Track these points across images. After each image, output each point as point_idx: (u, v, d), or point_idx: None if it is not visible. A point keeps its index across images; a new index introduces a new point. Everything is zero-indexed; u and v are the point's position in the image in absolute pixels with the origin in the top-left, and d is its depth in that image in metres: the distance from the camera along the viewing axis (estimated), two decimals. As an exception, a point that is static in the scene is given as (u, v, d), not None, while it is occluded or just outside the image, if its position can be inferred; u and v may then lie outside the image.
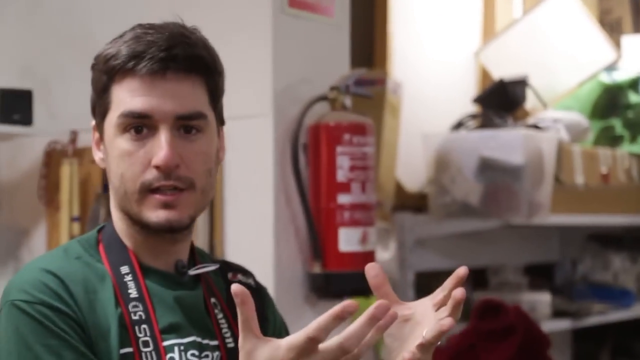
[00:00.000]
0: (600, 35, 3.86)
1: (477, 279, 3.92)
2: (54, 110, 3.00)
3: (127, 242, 1.57)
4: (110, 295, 1.52)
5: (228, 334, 1.60)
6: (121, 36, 1.53)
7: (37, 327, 1.45)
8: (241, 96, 2.63)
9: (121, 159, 1.51)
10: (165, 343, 1.52)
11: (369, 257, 2.71)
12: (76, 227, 2.85)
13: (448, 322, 1.34)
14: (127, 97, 1.50)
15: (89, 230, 2.74)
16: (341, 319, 1.24)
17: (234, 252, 2.69)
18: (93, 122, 1.56)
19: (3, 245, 3.11)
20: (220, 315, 1.62)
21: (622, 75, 3.95)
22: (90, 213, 2.81)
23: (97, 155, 1.58)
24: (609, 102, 3.91)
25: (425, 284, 3.82)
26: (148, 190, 1.50)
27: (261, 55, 2.65)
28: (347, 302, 1.24)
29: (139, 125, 1.50)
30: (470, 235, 3.63)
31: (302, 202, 2.67)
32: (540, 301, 3.57)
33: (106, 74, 1.51)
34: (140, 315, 1.52)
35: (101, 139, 1.55)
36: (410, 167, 3.62)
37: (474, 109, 3.87)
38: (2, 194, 3.13)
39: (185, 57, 1.50)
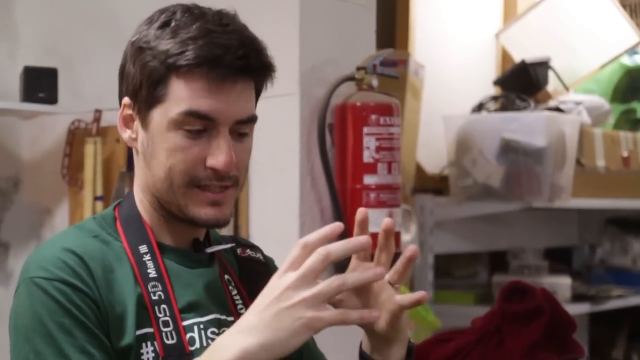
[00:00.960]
0: (623, 17, 3.84)
1: (497, 261, 3.92)
2: (77, 89, 2.99)
3: (148, 220, 1.58)
4: (128, 275, 1.52)
5: (243, 310, 1.60)
6: (173, 22, 1.50)
7: (53, 304, 1.44)
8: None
9: (173, 152, 1.50)
10: (185, 323, 1.52)
11: (395, 238, 2.70)
12: (99, 205, 2.84)
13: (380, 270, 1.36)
14: (191, 95, 1.48)
15: (113, 209, 2.77)
16: (329, 239, 1.32)
17: (259, 233, 2.67)
18: (126, 99, 1.54)
19: (26, 223, 3.10)
20: (234, 292, 1.63)
21: (643, 58, 3.94)
22: (115, 192, 2.80)
23: (126, 134, 1.56)
24: (630, 85, 3.89)
25: (445, 265, 3.82)
26: (196, 185, 1.51)
27: (288, 35, 2.63)
28: (335, 224, 1.34)
29: (199, 125, 1.49)
30: (489, 218, 3.62)
31: (328, 182, 2.65)
32: (560, 284, 3.56)
33: (166, 66, 1.48)
34: (159, 295, 1.51)
35: (142, 123, 1.53)
36: (431, 149, 3.61)
37: (494, 91, 3.86)
38: (25, 173, 3.13)
39: (259, 66, 1.51)
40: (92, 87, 2.97)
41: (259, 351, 1.32)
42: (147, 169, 1.54)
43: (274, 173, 2.67)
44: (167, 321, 1.51)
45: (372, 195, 2.67)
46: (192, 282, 1.57)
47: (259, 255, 1.73)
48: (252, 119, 1.54)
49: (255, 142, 2.65)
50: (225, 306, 1.59)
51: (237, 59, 1.47)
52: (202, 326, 1.54)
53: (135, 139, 1.55)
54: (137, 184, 1.58)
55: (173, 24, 1.50)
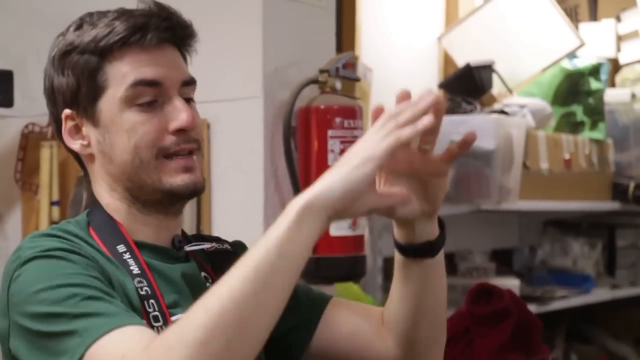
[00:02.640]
0: (564, 21, 3.90)
1: (446, 264, 3.94)
2: (30, 92, 2.92)
3: (120, 219, 1.57)
4: (121, 270, 1.51)
5: None
6: (85, 23, 1.55)
7: (58, 262, 1.42)
8: (231, 79, 2.60)
9: (132, 130, 1.52)
10: (173, 318, 1.51)
11: (359, 241, 2.70)
12: (56, 210, 2.79)
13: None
14: (132, 68, 1.52)
15: (70, 213, 2.72)
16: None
17: (222, 236, 2.60)
18: (66, 112, 1.55)
19: (-24, 230, 3.02)
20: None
21: (583, 62, 4.00)
22: (72, 196, 2.75)
23: (77, 144, 1.57)
24: (570, 88, 3.96)
25: (391, 268, 3.83)
26: (164, 155, 1.53)
27: (252, 38, 2.61)
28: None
29: (152, 97, 1.52)
30: (436, 220, 3.64)
31: (293, 185, 2.64)
32: (509, 285, 3.57)
33: (98, 54, 1.51)
34: (146, 290, 1.51)
35: (92, 122, 1.54)
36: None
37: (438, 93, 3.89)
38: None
39: (184, 27, 1.57)
40: (46, 90, 2.90)
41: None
42: (110, 163, 1.54)
43: (238, 176, 2.64)
44: (157, 316, 1.51)
45: (337, 198, 2.66)
46: (174, 279, 1.57)
47: (225, 245, 1.74)
48: (193, 81, 1.59)
49: (219, 145, 2.66)
50: None
51: (163, 21, 1.53)
52: None
53: (88, 144, 1.56)
54: (102, 187, 1.58)
55: (88, 19, 1.56)
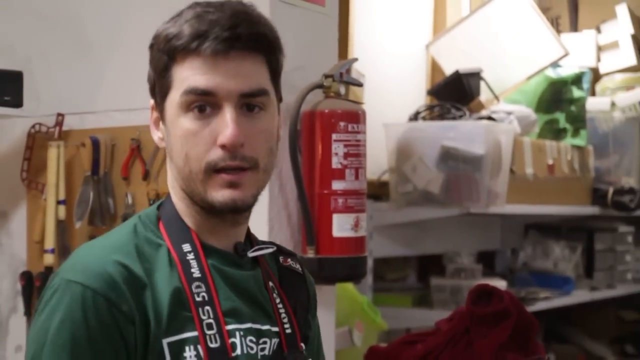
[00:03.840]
0: (549, 31, 4.00)
1: (425, 265, 4.03)
2: (37, 92, 2.96)
3: (188, 221, 1.55)
4: (172, 276, 1.50)
5: (286, 319, 1.60)
6: (180, 14, 1.52)
7: (84, 316, 1.43)
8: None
9: (185, 138, 1.49)
10: (228, 327, 1.50)
11: (361, 242, 2.77)
12: (62, 209, 2.82)
13: None
14: (189, 75, 1.49)
15: (77, 212, 2.77)
16: None
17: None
18: (152, 102, 1.57)
19: (-19, 228, 3.06)
20: (278, 300, 1.61)
21: (566, 70, 4.10)
22: (79, 195, 2.79)
23: (156, 135, 1.58)
24: (554, 96, 4.06)
25: (378, 269, 3.91)
26: (213, 170, 1.48)
27: None
28: None
29: (203, 103, 1.49)
30: (425, 223, 3.72)
31: (297, 188, 2.70)
32: (497, 286, 3.68)
33: (167, 53, 1.51)
34: (203, 297, 1.49)
35: (161, 119, 1.55)
36: (369, 156, 3.68)
37: (426, 100, 3.97)
38: (-20, 176, 3.08)
39: (248, 35, 1.49)
40: (53, 90, 2.95)
41: None
42: (171, 163, 1.55)
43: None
44: (211, 324, 1.48)
45: (340, 200, 2.73)
46: (236, 286, 1.55)
47: (297, 265, 1.73)
48: (261, 93, 1.52)
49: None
50: (270, 315, 1.59)
51: (224, 31, 1.47)
52: (242, 333, 1.52)
53: (163, 138, 1.57)
54: (173, 182, 1.57)
55: (183, 12, 1.53)
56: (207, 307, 1.49)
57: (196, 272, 1.50)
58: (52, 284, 1.48)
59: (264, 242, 1.70)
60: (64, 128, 2.86)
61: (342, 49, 3.68)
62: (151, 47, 1.55)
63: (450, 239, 4.02)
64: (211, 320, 1.48)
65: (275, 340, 1.57)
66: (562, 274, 4.18)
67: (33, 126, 2.89)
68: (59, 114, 2.85)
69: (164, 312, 1.47)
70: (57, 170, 2.83)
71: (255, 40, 1.51)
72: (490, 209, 3.55)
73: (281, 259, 1.69)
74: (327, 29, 2.88)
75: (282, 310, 1.61)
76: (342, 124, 2.73)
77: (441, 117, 3.64)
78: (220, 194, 1.49)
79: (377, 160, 3.68)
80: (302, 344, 1.62)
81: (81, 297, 1.43)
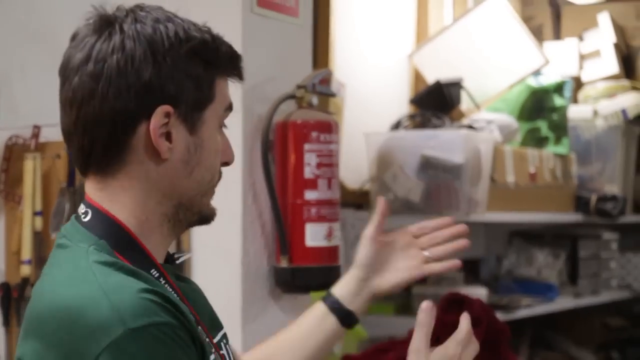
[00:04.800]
0: (529, 40, 4.03)
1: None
2: (14, 105, 2.99)
3: (146, 243, 1.45)
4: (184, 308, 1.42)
5: None
6: (194, 26, 1.49)
7: (172, 352, 1.32)
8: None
9: (217, 153, 1.51)
10: (215, 340, 1.51)
11: (334, 252, 2.79)
12: (39, 221, 2.86)
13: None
14: (226, 91, 1.53)
15: (53, 223, 2.79)
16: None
17: (201, 246, 2.73)
18: (166, 107, 1.44)
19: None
20: None
21: (548, 79, 4.12)
22: (55, 207, 2.82)
23: (163, 144, 1.44)
24: (536, 104, 4.08)
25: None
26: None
27: None
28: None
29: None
30: (407, 231, 3.74)
31: (270, 197, 2.72)
32: (477, 295, 3.69)
33: (217, 68, 1.49)
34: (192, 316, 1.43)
35: (190, 127, 1.46)
36: (351, 166, 3.71)
37: (408, 109, 3.99)
38: (-41, 188, 3.10)
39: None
40: (29, 103, 2.98)
41: None
42: (185, 177, 1.46)
43: (217, 188, 2.71)
44: (207, 341, 1.46)
45: (313, 210, 2.75)
46: (195, 298, 1.53)
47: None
48: None
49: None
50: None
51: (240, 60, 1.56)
52: (224, 341, 1.55)
53: (171, 149, 1.45)
54: (142, 199, 1.45)
55: (192, 27, 1.48)
56: (199, 326, 1.45)
57: (181, 307, 1.40)
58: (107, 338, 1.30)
59: None
60: (41, 140, 2.89)
61: (323, 59, 3.71)
62: (185, 55, 1.45)
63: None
64: (206, 338, 1.46)
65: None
66: (546, 281, 4.20)
67: (10, 138, 2.93)
68: (35, 126, 2.89)
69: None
70: (34, 182, 2.86)
71: None
72: (470, 217, 3.57)
73: (188, 256, 1.79)
74: (300, 39, 2.91)
75: None
76: (314, 134, 2.76)
77: (422, 126, 3.66)
78: (213, 206, 1.56)
79: (359, 169, 3.70)
80: None
81: (153, 336, 1.31)
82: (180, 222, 1.49)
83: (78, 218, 1.48)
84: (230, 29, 2.67)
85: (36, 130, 2.89)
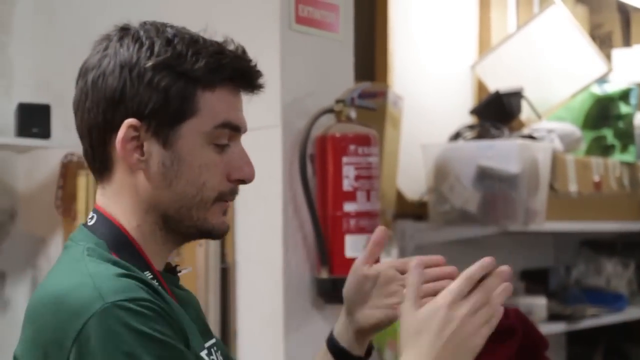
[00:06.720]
0: (592, 48, 4.00)
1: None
2: (69, 123, 3.10)
3: (142, 244, 1.51)
4: (170, 300, 1.46)
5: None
6: (190, 41, 1.48)
7: (151, 322, 1.35)
8: (251, 109, 2.72)
9: (206, 168, 1.48)
10: (206, 345, 1.52)
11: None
12: (89, 235, 2.96)
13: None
14: (224, 109, 1.50)
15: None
16: (487, 268, 1.45)
17: (245, 258, 2.79)
18: (132, 120, 1.46)
19: (22, 253, 3.22)
20: None
21: (613, 87, 4.08)
22: (106, 222, 2.92)
23: (132, 156, 1.48)
24: (601, 113, 4.04)
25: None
26: (220, 200, 1.52)
27: (270, 70, 2.65)
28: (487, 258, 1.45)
29: (227, 139, 1.51)
30: (467, 241, 3.75)
31: (309, 210, 2.76)
32: (536, 305, 3.70)
33: (197, 82, 1.47)
34: None
35: (163, 141, 1.48)
36: (411, 177, 3.74)
37: (470, 120, 4.00)
38: (20, 204, 3.25)
39: (259, 76, 1.54)
40: (84, 121, 3.10)
41: None
42: (165, 188, 1.48)
43: (258, 201, 2.76)
44: (199, 345, 1.48)
45: (352, 221, 2.79)
46: (190, 305, 1.57)
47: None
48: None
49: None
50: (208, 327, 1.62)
51: (257, 72, 1.52)
52: (215, 348, 1.56)
53: (144, 161, 1.48)
54: (131, 207, 1.50)
55: (177, 40, 1.48)
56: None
57: (166, 298, 1.45)
58: (85, 322, 1.35)
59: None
60: (95, 157, 3.00)
61: (382, 71, 3.76)
62: (157, 69, 1.47)
63: (498, 257, 4.01)
64: (197, 342, 1.48)
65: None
66: (615, 290, 4.15)
67: (65, 156, 3.05)
68: (89, 144, 3.00)
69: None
70: (87, 198, 2.97)
71: (263, 80, 1.55)
72: (528, 227, 3.56)
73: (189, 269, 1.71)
74: (341, 55, 2.94)
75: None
76: (352, 147, 2.79)
77: (481, 136, 3.67)
78: (220, 221, 1.52)
79: (418, 180, 3.73)
80: None
81: (132, 310, 1.34)
82: (174, 233, 1.52)
83: (85, 222, 1.55)
84: (268, 46, 2.75)
85: (89, 148, 2.99)
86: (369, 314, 1.68)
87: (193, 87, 1.47)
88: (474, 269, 1.43)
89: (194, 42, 1.48)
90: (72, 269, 1.43)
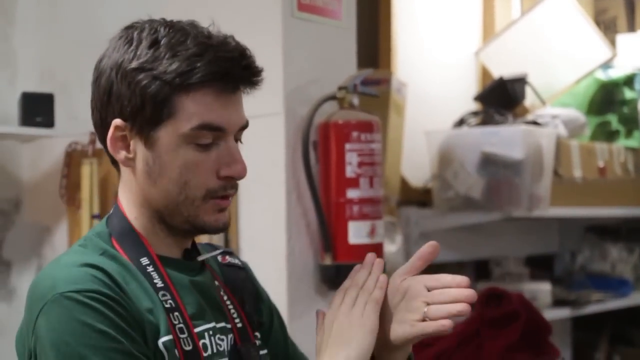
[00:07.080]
0: (596, 34, 3.99)
1: (480, 270, 4.06)
2: (73, 112, 3.13)
3: (143, 233, 1.58)
4: (142, 285, 1.53)
5: (235, 314, 1.66)
6: (172, 43, 1.50)
7: (94, 314, 1.43)
8: (254, 96, 2.73)
9: (186, 168, 1.52)
10: (196, 329, 1.56)
11: (377, 249, 2.81)
12: (97, 223, 2.97)
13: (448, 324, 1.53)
14: (203, 110, 1.51)
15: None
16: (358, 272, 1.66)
17: (248, 245, 2.79)
18: (118, 121, 1.52)
19: (27, 242, 3.24)
20: (225, 297, 1.68)
21: (617, 72, 4.08)
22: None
23: (120, 154, 1.55)
24: (605, 98, 4.04)
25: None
26: (211, 197, 1.54)
27: (272, 58, 2.72)
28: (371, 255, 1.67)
29: (210, 138, 1.52)
30: (472, 228, 3.75)
31: (313, 197, 2.76)
32: (541, 290, 3.70)
33: (173, 86, 1.50)
34: (170, 303, 1.53)
35: (144, 142, 1.53)
36: (415, 164, 3.75)
37: (475, 106, 4.00)
38: (25, 194, 3.27)
39: (258, 74, 1.55)
40: (88, 110, 3.10)
41: None
42: (151, 186, 1.54)
43: (262, 189, 2.77)
44: (182, 328, 1.53)
45: (355, 208, 2.79)
46: (194, 290, 1.60)
47: (236, 260, 1.78)
48: (247, 125, 1.59)
49: (244, 158, 2.81)
50: (222, 313, 1.64)
51: (243, 71, 1.52)
52: (211, 332, 1.58)
53: (133, 159, 1.55)
54: (131, 200, 1.58)
55: (164, 41, 1.50)
56: (176, 313, 1.54)
57: (159, 282, 1.55)
58: (40, 308, 1.46)
59: (203, 245, 1.75)
60: (98, 146, 3.01)
61: (385, 58, 3.76)
62: (136, 72, 1.50)
63: (500, 243, 4.04)
64: (182, 325, 1.54)
65: (230, 336, 1.63)
66: (620, 276, 4.15)
67: (70, 145, 3.06)
68: (92, 133, 3.00)
69: (149, 318, 1.51)
70: (91, 186, 2.98)
71: (260, 77, 1.56)
72: (533, 213, 3.57)
73: (220, 257, 1.75)
74: (344, 42, 2.93)
75: (230, 307, 1.67)
76: (355, 133, 2.80)
77: (485, 123, 3.67)
78: (213, 219, 1.56)
79: (422, 167, 3.73)
80: (257, 334, 1.70)
81: (78, 301, 1.44)
82: (171, 227, 1.58)
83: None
84: (271, 33, 2.75)
85: (93, 137, 3.01)
86: (393, 328, 1.62)
87: (169, 90, 1.50)
88: (346, 282, 1.65)
89: (179, 44, 1.50)
90: (61, 259, 1.55)
